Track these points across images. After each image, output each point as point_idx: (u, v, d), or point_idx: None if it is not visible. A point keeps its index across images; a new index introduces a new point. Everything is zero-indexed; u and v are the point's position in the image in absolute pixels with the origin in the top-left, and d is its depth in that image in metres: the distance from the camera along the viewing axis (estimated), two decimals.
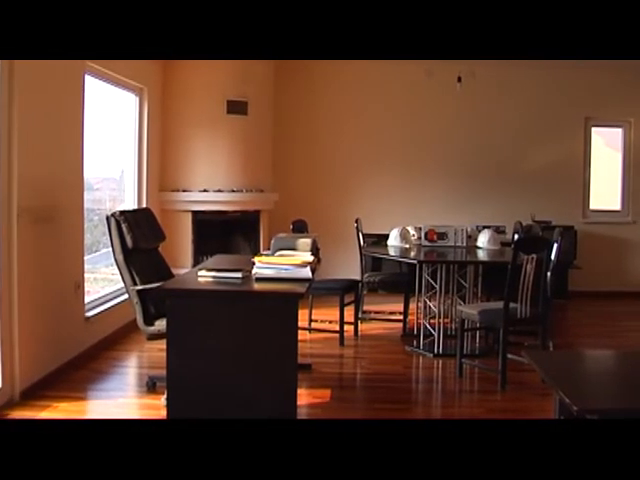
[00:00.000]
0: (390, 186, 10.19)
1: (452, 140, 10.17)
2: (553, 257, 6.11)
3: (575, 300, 9.66)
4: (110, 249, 5.59)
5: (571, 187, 10.25)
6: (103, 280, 8.08)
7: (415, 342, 7.14)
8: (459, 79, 9.37)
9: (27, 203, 5.35)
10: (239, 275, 4.53)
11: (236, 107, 8.90)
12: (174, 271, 6.16)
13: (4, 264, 5.16)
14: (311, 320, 7.71)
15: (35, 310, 5.55)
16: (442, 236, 7.51)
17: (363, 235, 8.00)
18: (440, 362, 6.69)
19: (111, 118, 8.00)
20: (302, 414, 4.99)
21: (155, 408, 5.22)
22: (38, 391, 5.46)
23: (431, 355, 6.82)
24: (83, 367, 6.20)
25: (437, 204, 10.06)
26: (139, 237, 5.52)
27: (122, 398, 5.61)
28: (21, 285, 5.29)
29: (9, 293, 5.22)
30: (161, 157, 8.81)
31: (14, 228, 5.20)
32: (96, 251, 7.64)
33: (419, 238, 7.63)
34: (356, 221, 8.04)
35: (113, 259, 5.51)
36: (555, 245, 6.15)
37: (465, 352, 6.45)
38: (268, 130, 9.54)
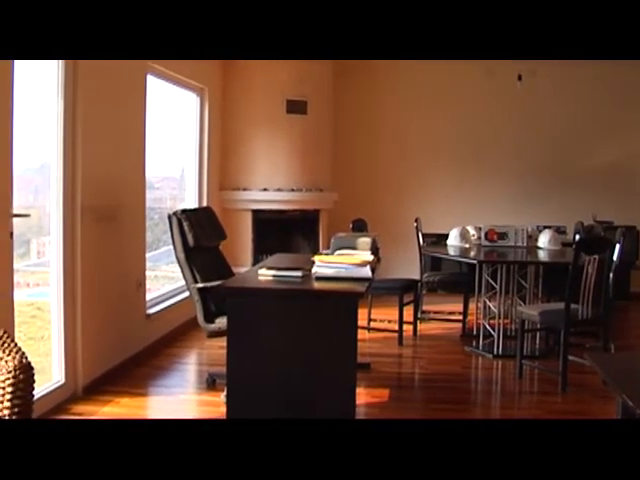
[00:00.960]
0: (450, 185, 10.14)
1: (512, 139, 10.07)
2: (615, 258, 6.03)
3: (637, 301, 9.50)
4: (171, 247, 5.65)
5: (633, 187, 10.06)
6: (163, 278, 8.17)
7: (474, 342, 7.10)
8: (519, 77, 9.28)
9: (90, 202, 5.43)
10: (299, 274, 4.55)
11: (296, 106, 8.93)
12: (234, 270, 6.21)
13: (68, 262, 5.25)
14: (370, 319, 7.71)
15: (98, 307, 5.64)
16: (502, 236, 7.44)
17: (423, 234, 7.97)
18: (499, 363, 6.64)
19: (172, 118, 8.08)
20: (360, 413, 4.99)
21: (215, 405, 5.26)
22: (100, 386, 5.55)
23: (490, 356, 6.77)
24: (144, 363, 6.28)
25: (497, 204, 9.97)
26: (200, 235, 5.57)
27: (182, 395, 5.68)
28: (84, 283, 5.38)
29: (73, 290, 5.31)
30: (222, 156, 8.88)
31: (78, 227, 5.30)
32: (156, 249, 7.74)
33: (479, 238, 7.58)
34: (416, 220, 8.01)
35: (175, 257, 5.58)
36: (617, 246, 6.07)
37: (525, 353, 6.39)
38: (327, 129, 9.55)
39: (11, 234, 4.40)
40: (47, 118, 5.16)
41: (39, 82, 5.18)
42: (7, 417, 2.95)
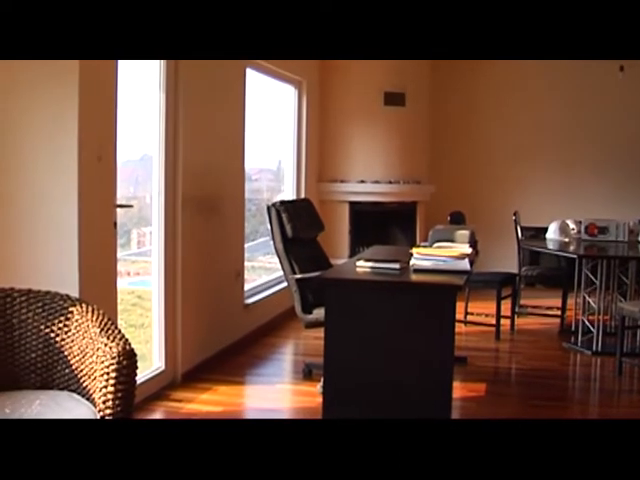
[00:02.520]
0: (549, 179, 9.95)
1: (613, 132, 9.80)
2: None
3: None
4: (267, 238, 5.70)
5: None
6: (260, 268, 8.26)
7: (573, 339, 6.97)
8: (621, 68, 9.03)
9: (191, 193, 5.53)
10: (397, 266, 4.53)
11: (394, 98, 8.90)
12: (331, 261, 6.23)
13: (169, 252, 5.36)
14: (467, 313, 7.65)
15: (197, 296, 5.74)
16: (603, 230, 7.28)
17: (521, 228, 7.86)
18: (598, 360, 6.50)
19: (269, 110, 8.15)
20: (456, 407, 4.95)
21: (311, 395, 5.30)
22: (198, 374, 5.65)
23: (589, 352, 6.64)
24: (242, 352, 6.36)
25: (597, 197, 9.73)
26: (298, 227, 5.61)
27: (279, 384, 5.74)
28: (184, 272, 5.48)
29: (173, 280, 5.41)
30: (319, 148, 8.91)
31: (179, 217, 5.39)
32: (254, 240, 7.82)
33: (579, 232, 7.43)
34: (514, 214, 7.91)
35: (273, 248, 5.63)
36: None
37: (625, 350, 6.25)
38: (425, 121, 9.49)
39: (115, 224, 4.51)
40: (148, 112, 5.27)
41: (140, 78, 5.28)
42: (110, 401, 3.02)
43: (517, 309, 7.81)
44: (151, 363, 5.31)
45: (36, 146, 4.11)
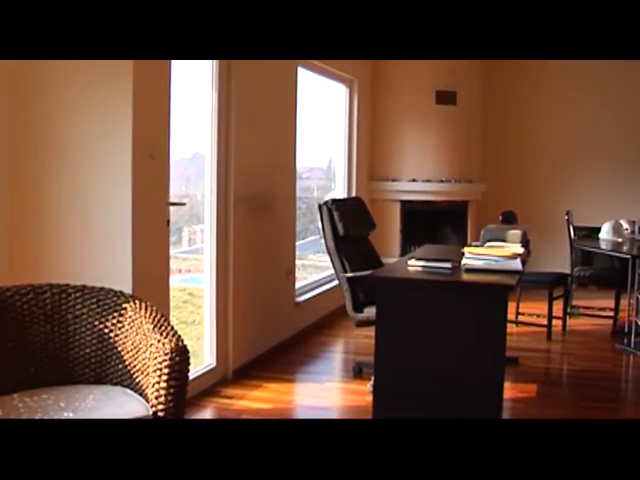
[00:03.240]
0: (603, 178, 9.81)
1: None
2: None
3: None
4: (317, 237, 5.71)
5: None
6: (310, 267, 8.28)
7: (626, 340, 6.87)
8: None
9: (243, 191, 5.56)
10: (448, 265, 4.51)
11: (445, 97, 8.87)
12: (382, 260, 6.22)
13: (221, 250, 5.39)
14: (518, 313, 7.59)
15: (248, 294, 5.77)
16: None
17: (574, 227, 7.78)
18: None
19: (320, 108, 8.16)
20: (507, 407, 4.92)
21: (361, 394, 5.29)
22: (249, 371, 5.68)
23: None
24: (292, 350, 6.39)
25: None
26: (350, 225, 5.61)
27: (329, 382, 5.74)
28: (236, 270, 5.52)
29: (225, 277, 5.45)
30: (370, 147, 8.91)
31: (231, 215, 5.43)
32: (304, 238, 7.84)
33: (632, 232, 7.34)
34: (567, 213, 7.83)
35: (324, 246, 5.64)
36: None
37: None
38: (477, 120, 9.43)
39: (167, 222, 4.56)
40: (199, 110, 5.31)
41: (192, 77, 5.32)
42: (163, 397, 3.06)
43: (569, 310, 7.73)
44: (202, 360, 5.36)
45: (91, 145, 4.17)
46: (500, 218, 7.55)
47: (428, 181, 8.81)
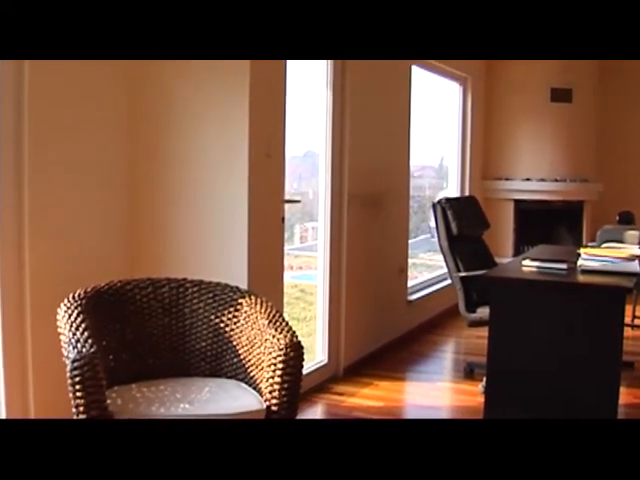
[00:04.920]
0: None
1: None
2: None
3: None
4: (428, 235, 5.69)
5: None
6: (421, 265, 8.26)
7: None
8: None
9: (356, 189, 5.59)
10: (564, 266, 4.44)
11: (560, 95, 8.70)
12: (495, 260, 6.16)
13: (334, 247, 5.43)
14: (635, 316, 7.39)
15: (361, 292, 5.80)
16: None
17: None
18: None
19: (432, 106, 8.12)
20: (622, 413, 4.78)
21: (472, 394, 5.25)
22: (360, 369, 5.70)
23: None
24: (403, 349, 6.38)
25: None
26: (464, 224, 5.57)
27: (440, 382, 5.72)
28: (349, 267, 5.55)
29: (338, 275, 5.49)
30: (484, 145, 8.82)
31: (344, 213, 5.46)
32: (415, 237, 7.82)
33: None
34: None
35: (437, 245, 5.62)
36: None
37: None
38: (592, 118, 9.19)
39: (282, 219, 4.62)
40: (312, 109, 5.36)
41: (305, 75, 5.37)
42: (277, 392, 3.10)
43: None
44: (314, 356, 5.41)
45: (208, 145, 4.25)
46: (617, 218, 7.36)
47: (542, 180, 8.67)
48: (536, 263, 4.53)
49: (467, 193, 8.15)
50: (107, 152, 4.21)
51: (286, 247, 4.88)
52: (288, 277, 5.71)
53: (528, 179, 8.68)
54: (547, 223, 9.02)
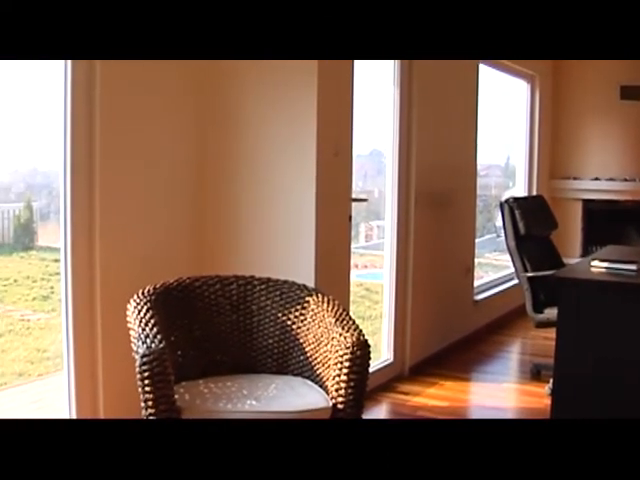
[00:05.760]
0: None
1: None
2: None
3: None
4: (494, 235, 5.65)
5: None
6: (487, 265, 8.20)
7: None
8: None
9: (423, 188, 5.58)
10: (634, 267, 4.36)
11: (631, 92, 8.55)
12: (563, 260, 6.09)
13: (401, 246, 5.44)
14: None
15: (427, 291, 5.79)
16: None
17: None
18: None
19: (499, 104, 8.06)
20: None
21: (538, 396, 5.21)
22: (426, 368, 5.69)
23: None
24: (470, 349, 6.35)
25: None
26: (531, 224, 5.52)
27: (505, 383, 5.68)
28: (416, 266, 5.55)
29: (405, 274, 5.49)
30: (552, 144, 8.72)
31: (412, 212, 5.46)
32: (480, 236, 7.76)
33: None
34: None
35: (504, 244, 5.58)
36: None
37: None
38: None
39: (349, 217, 4.63)
40: (378, 107, 5.36)
41: (373, 73, 5.38)
42: (343, 390, 3.11)
43: None
44: (380, 355, 5.41)
45: (276, 144, 4.30)
46: None
47: (611, 180, 8.53)
48: (605, 264, 4.46)
49: (535, 192, 8.06)
50: (175, 152, 4.28)
51: (352, 245, 4.90)
52: (353, 275, 5.71)
53: (597, 178, 8.55)
54: (616, 223, 8.87)
